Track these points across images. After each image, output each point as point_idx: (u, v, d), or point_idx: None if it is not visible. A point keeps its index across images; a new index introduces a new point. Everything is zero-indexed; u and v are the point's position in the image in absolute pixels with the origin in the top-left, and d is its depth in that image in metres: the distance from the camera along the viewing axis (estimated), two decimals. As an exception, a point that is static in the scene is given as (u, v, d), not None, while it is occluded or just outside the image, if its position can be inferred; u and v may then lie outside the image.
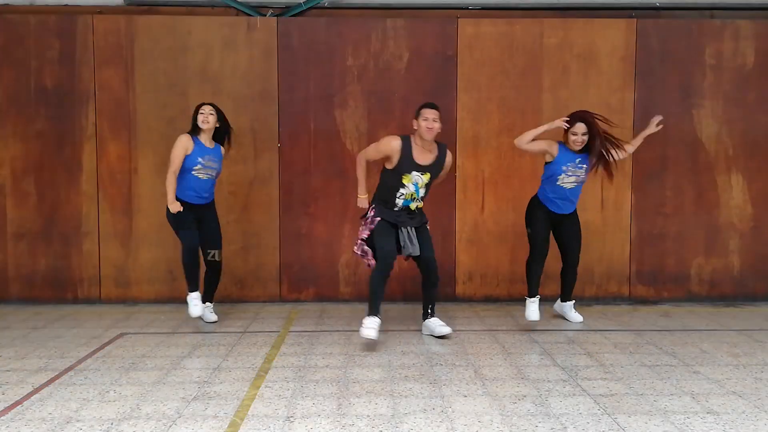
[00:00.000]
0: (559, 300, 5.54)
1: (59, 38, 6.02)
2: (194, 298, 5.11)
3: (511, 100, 6.11)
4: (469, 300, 6.22)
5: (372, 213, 4.86)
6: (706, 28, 6.17)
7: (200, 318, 5.36)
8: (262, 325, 5.33)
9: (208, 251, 5.29)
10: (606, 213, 6.21)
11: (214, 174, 5.22)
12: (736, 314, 5.80)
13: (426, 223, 5.03)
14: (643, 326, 5.32)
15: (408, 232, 4.82)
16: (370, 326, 4.59)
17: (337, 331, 5.14)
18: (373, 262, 4.81)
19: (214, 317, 5.40)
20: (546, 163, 5.09)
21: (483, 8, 6.25)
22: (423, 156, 4.81)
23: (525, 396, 3.65)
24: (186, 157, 5.05)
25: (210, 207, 5.31)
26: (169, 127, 6.01)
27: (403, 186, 4.79)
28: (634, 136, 6.13)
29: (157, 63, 6.04)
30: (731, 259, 6.29)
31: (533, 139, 4.95)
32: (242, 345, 4.72)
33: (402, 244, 4.81)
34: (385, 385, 3.82)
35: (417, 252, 4.80)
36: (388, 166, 4.83)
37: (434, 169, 4.87)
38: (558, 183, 5.03)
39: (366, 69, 6.10)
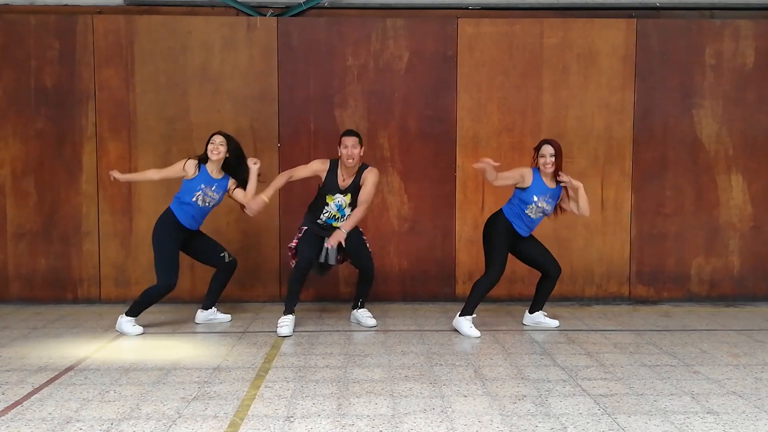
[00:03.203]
0: (527, 312, 5.35)
1: (59, 38, 6.02)
2: (132, 322, 5.00)
3: (511, 100, 6.11)
4: (469, 300, 6.21)
5: (302, 223, 5.21)
6: (706, 28, 6.17)
7: (205, 323, 5.39)
8: (262, 325, 5.33)
9: (221, 255, 5.25)
10: (606, 213, 6.21)
11: (212, 204, 5.12)
12: (736, 314, 5.80)
13: (360, 232, 5.24)
14: (643, 326, 5.32)
15: (332, 252, 4.98)
16: (284, 323, 4.96)
17: (337, 331, 5.14)
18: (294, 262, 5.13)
19: (227, 316, 5.44)
20: (518, 187, 4.98)
21: (483, 8, 6.25)
22: (346, 181, 5.08)
23: (525, 396, 3.65)
24: (188, 182, 4.99)
25: (197, 231, 5.23)
26: (169, 127, 6.01)
27: (327, 205, 5.10)
28: (634, 136, 6.16)
29: (157, 63, 6.04)
30: (731, 259, 6.28)
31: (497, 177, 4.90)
32: (242, 345, 4.71)
33: (324, 253, 4.98)
34: (385, 385, 3.82)
35: (332, 262, 5.00)
36: (320, 185, 5.17)
37: (352, 189, 5.08)
38: (526, 211, 4.96)
39: (366, 69, 6.10)
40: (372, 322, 5.25)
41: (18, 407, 3.47)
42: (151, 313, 5.71)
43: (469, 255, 6.20)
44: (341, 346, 4.68)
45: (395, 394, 3.67)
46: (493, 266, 5.06)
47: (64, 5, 6.15)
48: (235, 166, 5.11)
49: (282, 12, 6.20)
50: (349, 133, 5.08)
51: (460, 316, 5.07)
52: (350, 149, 4.97)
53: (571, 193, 5.02)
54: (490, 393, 3.70)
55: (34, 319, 5.51)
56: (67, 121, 6.05)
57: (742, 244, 6.28)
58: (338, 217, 5.12)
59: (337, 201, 5.10)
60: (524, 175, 4.93)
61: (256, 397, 3.63)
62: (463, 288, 6.23)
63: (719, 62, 6.17)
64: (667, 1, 6.28)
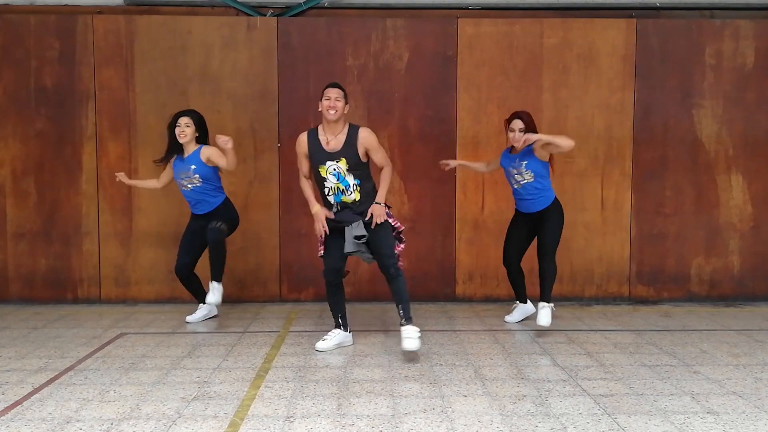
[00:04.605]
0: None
1: (59, 38, 6.02)
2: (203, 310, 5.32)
3: (511, 100, 6.11)
4: (469, 300, 6.22)
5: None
6: (706, 28, 6.17)
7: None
8: (262, 325, 5.33)
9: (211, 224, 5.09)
10: (606, 213, 6.21)
11: (196, 182, 5.07)
12: (736, 314, 5.80)
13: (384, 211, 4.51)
14: (643, 326, 5.32)
15: (352, 230, 4.40)
16: (325, 336, 4.66)
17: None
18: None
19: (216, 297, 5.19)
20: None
21: (483, 8, 6.25)
22: (333, 142, 4.41)
23: (525, 396, 3.65)
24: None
25: (212, 216, 5.14)
26: (169, 127, 6.01)
27: (325, 180, 4.42)
28: (634, 136, 6.16)
29: (157, 63, 6.04)
30: (731, 259, 6.28)
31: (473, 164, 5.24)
32: (242, 345, 4.72)
33: (346, 244, 4.42)
34: (385, 385, 3.82)
35: (361, 241, 4.43)
36: (311, 164, 4.53)
37: (348, 151, 4.39)
38: (514, 187, 5.07)
39: (366, 69, 6.10)
40: (411, 345, 4.27)
41: (18, 407, 3.47)
42: (151, 313, 5.72)
43: (469, 255, 6.20)
44: (341, 346, 4.67)
45: (395, 394, 3.67)
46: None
47: (64, 5, 6.15)
48: (205, 138, 5.23)
49: (282, 12, 6.20)
50: (333, 84, 4.47)
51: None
52: (333, 101, 4.34)
53: (538, 146, 4.84)
54: (490, 393, 3.70)
55: (34, 319, 5.51)
56: (67, 121, 6.05)
57: (742, 244, 6.28)
58: (343, 190, 4.42)
59: (331, 170, 4.40)
60: (489, 161, 5.18)
61: (256, 397, 3.63)
62: (463, 288, 6.23)
63: (719, 62, 6.17)
64: (667, 1, 6.28)
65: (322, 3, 6.20)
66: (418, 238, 6.16)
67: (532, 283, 5.38)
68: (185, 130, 5.07)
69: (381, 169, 4.52)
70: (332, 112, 4.35)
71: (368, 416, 3.34)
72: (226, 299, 5.79)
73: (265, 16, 6.14)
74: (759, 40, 6.17)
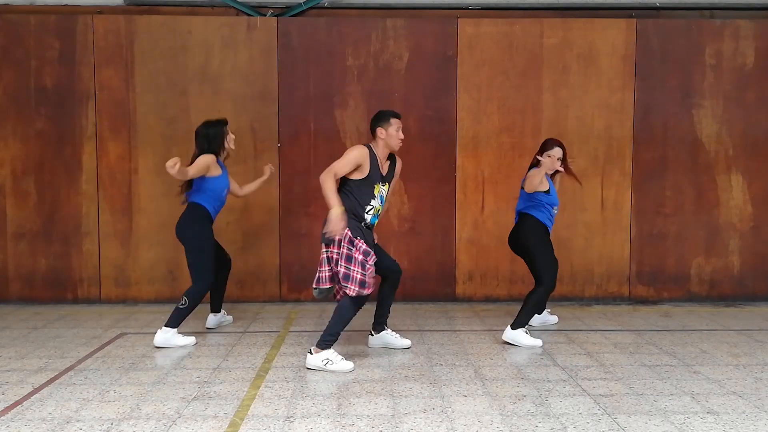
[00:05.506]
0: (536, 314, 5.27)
1: (59, 38, 6.02)
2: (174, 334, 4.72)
3: (511, 100, 6.11)
4: (469, 300, 6.22)
5: (350, 234, 4.13)
6: (706, 28, 6.17)
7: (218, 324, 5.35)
8: (262, 325, 5.33)
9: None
10: (606, 213, 6.21)
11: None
12: (736, 314, 5.80)
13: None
14: (643, 326, 5.32)
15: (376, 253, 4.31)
16: (336, 359, 4.16)
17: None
18: (355, 291, 4.09)
19: (230, 318, 5.41)
20: (540, 191, 4.82)
21: (483, 8, 6.25)
22: (383, 167, 4.41)
23: (525, 396, 3.65)
24: (215, 180, 4.73)
25: None
26: (169, 127, 6.01)
27: (373, 198, 4.30)
28: (634, 136, 6.18)
29: (157, 63, 6.04)
30: (731, 259, 6.28)
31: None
32: (242, 345, 4.71)
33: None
34: (385, 385, 3.82)
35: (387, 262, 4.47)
36: (356, 177, 4.26)
37: (390, 178, 4.47)
38: (553, 211, 4.88)
39: (366, 69, 6.10)
40: (407, 342, 4.64)
41: (18, 407, 3.47)
42: (151, 313, 5.72)
43: (469, 255, 6.20)
44: (341, 346, 4.66)
45: (395, 394, 3.67)
46: (548, 271, 4.80)
47: (64, 5, 6.15)
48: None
49: (282, 12, 6.20)
50: (398, 114, 4.47)
51: (513, 329, 4.72)
52: (401, 133, 4.39)
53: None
54: (490, 393, 3.70)
55: (34, 319, 5.51)
56: (67, 121, 6.05)
57: (742, 244, 6.28)
58: (379, 212, 4.39)
59: (380, 193, 4.35)
60: (543, 182, 4.79)
61: (256, 397, 3.63)
62: (462, 288, 6.23)
63: (719, 62, 6.17)
64: (667, 1, 6.28)
65: (322, 3, 6.20)
66: (418, 238, 6.17)
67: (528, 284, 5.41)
68: (232, 136, 4.86)
69: (389, 195, 4.54)
70: (399, 143, 4.41)
71: (368, 416, 3.34)
72: (227, 299, 5.78)
73: (265, 16, 6.14)
74: (759, 40, 6.17)
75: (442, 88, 6.11)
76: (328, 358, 4.12)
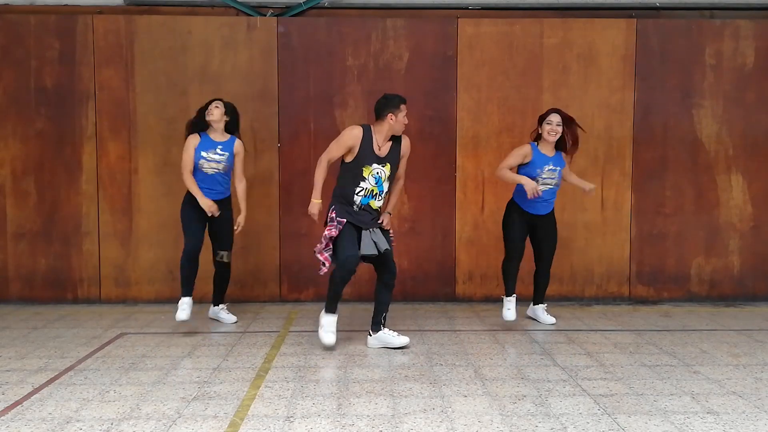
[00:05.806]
0: (531, 303, 5.47)
1: (59, 38, 6.01)
2: (184, 303, 5.00)
3: (511, 100, 6.11)
4: (469, 300, 6.22)
5: (334, 214, 4.47)
6: (706, 28, 6.17)
7: (216, 320, 5.43)
8: (262, 325, 5.33)
9: (218, 252, 5.25)
10: (606, 213, 6.21)
11: (221, 168, 5.10)
12: (736, 314, 5.80)
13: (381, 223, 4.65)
14: (643, 326, 5.32)
15: (370, 234, 4.48)
16: (330, 330, 4.51)
17: (337, 331, 5.13)
18: (327, 266, 4.44)
19: (232, 318, 5.42)
20: (521, 165, 4.99)
21: (483, 8, 6.25)
22: (383, 148, 4.50)
23: (525, 396, 3.65)
24: (194, 154, 5.04)
25: (224, 204, 5.18)
26: (169, 127, 6.01)
27: (364, 180, 4.44)
28: (634, 136, 6.17)
29: (157, 63, 6.04)
30: (731, 259, 6.28)
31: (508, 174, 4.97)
32: (242, 345, 4.71)
33: (363, 245, 4.44)
34: (385, 385, 3.82)
35: (383, 248, 4.47)
36: (348, 159, 4.48)
37: (393, 158, 4.54)
38: (538, 188, 4.87)
39: (366, 69, 6.10)
40: (405, 339, 4.62)
41: (18, 407, 3.47)
42: (151, 313, 5.72)
43: (469, 255, 6.20)
44: (341, 346, 4.67)
45: (395, 394, 3.67)
46: (507, 249, 5.14)
47: (64, 5, 6.15)
48: (233, 130, 5.24)
49: (282, 12, 6.20)
50: (405, 99, 4.55)
51: (505, 297, 5.17)
52: (406, 117, 4.50)
53: (568, 159, 5.14)
54: (490, 393, 3.70)
55: (34, 319, 5.51)
56: (67, 121, 6.05)
57: (742, 244, 6.28)
58: (376, 194, 4.48)
59: (375, 173, 4.45)
60: (525, 154, 4.96)
61: (256, 397, 3.63)
62: (463, 288, 6.23)
63: (719, 62, 6.17)
64: (667, 1, 6.28)
65: (322, 3, 6.20)
66: (418, 238, 6.17)
67: (527, 284, 5.42)
68: (213, 111, 5.06)
69: (397, 179, 4.72)
70: (404, 128, 4.54)
71: (368, 416, 3.34)
72: (227, 299, 5.79)
73: (265, 16, 6.14)
74: (759, 40, 6.17)
75: (442, 88, 6.11)
76: (321, 322, 4.54)
